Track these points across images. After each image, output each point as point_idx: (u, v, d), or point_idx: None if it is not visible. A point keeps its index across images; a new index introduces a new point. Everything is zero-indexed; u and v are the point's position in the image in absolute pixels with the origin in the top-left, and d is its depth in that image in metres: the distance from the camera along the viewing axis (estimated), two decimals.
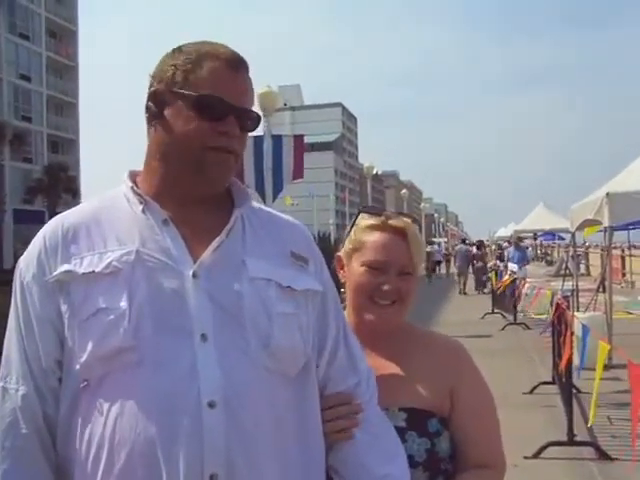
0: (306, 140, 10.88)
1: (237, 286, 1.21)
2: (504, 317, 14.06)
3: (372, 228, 1.56)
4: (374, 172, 27.52)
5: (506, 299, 14.46)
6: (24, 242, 1.93)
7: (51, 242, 1.24)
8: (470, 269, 23.33)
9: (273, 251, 1.29)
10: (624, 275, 22.42)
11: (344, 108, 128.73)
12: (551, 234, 28.50)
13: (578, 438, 5.41)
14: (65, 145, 52.45)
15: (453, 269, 27.92)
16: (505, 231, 32.26)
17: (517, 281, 14.26)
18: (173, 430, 1.12)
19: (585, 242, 22.14)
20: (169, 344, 1.16)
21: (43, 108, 49.22)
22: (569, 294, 9.54)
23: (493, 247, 35.62)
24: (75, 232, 1.24)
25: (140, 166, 1.34)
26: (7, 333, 1.25)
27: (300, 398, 1.26)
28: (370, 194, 26.13)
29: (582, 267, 24.41)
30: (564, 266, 16.86)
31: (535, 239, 35.00)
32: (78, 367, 1.17)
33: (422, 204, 54.66)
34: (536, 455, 5.21)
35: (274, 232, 1.33)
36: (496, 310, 14.99)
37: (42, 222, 1.46)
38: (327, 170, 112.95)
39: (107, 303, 1.16)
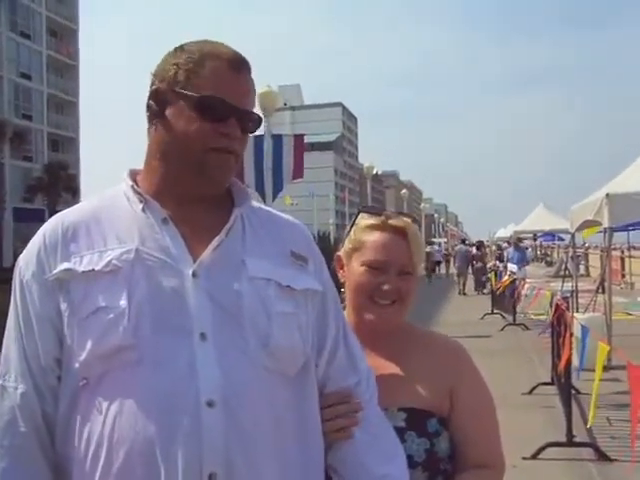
0: (306, 140, 10.88)
1: (236, 285, 1.21)
2: (503, 318, 14.06)
3: (372, 228, 1.56)
4: (374, 172, 27.52)
5: (505, 300, 14.46)
6: (24, 240, 1.93)
7: (51, 240, 1.24)
8: (470, 270, 23.34)
9: (273, 250, 1.29)
10: (624, 276, 22.42)
11: (344, 108, 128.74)
12: (551, 235, 28.51)
13: (577, 439, 5.41)
14: (65, 144, 52.47)
15: (453, 269, 27.91)
16: (505, 232, 32.26)
17: (517, 282, 14.26)
18: (172, 429, 1.12)
19: (585, 243, 22.15)
20: (168, 343, 1.16)
21: (43, 106, 49.24)
22: (568, 295, 9.55)
23: (493, 248, 35.64)
24: (75, 230, 1.24)
25: (140, 165, 1.34)
26: (6, 331, 1.25)
27: (299, 398, 1.26)
28: (370, 194, 26.13)
29: (582, 268, 24.42)
30: (564, 267, 16.87)
31: (535, 240, 35.01)
32: (77, 365, 1.17)
33: (422, 204, 54.72)
34: (535, 456, 5.22)
35: (274, 231, 1.33)
36: (495, 311, 15.00)
37: (42, 220, 1.46)
38: (327, 170, 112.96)
39: (107, 302, 1.16)
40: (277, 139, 9.67)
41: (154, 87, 1.27)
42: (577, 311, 9.98)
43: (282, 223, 1.37)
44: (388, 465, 1.32)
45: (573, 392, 6.15)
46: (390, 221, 1.55)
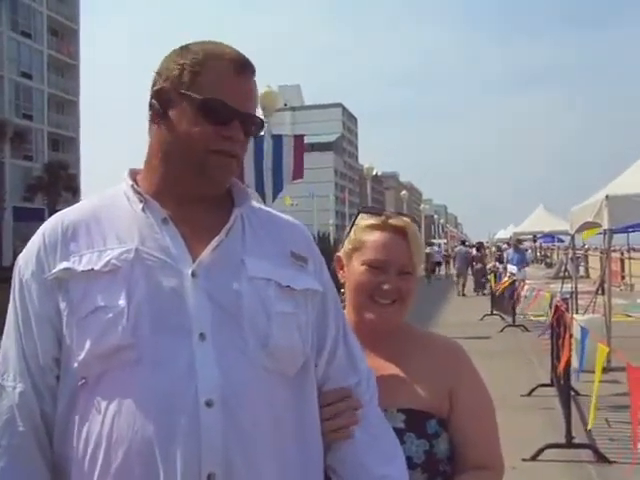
0: (306, 140, 10.89)
1: (236, 285, 1.21)
2: (503, 319, 14.07)
3: (372, 227, 1.56)
4: (374, 173, 27.53)
5: (505, 301, 14.47)
6: (24, 240, 1.93)
7: (50, 239, 1.24)
8: (469, 271, 23.36)
9: (273, 251, 1.29)
10: (623, 278, 22.43)
11: (344, 108, 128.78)
12: (550, 236, 28.52)
13: (576, 440, 5.40)
14: (65, 143, 52.50)
15: (453, 270, 27.92)
16: (505, 233, 32.28)
17: (516, 283, 14.27)
18: (171, 429, 1.12)
19: (584, 245, 22.16)
20: (167, 343, 1.15)
21: (44, 106, 49.28)
22: (568, 296, 9.54)
23: (493, 249, 35.65)
24: (75, 230, 1.24)
25: (140, 165, 1.33)
26: (5, 330, 1.24)
27: (299, 398, 1.25)
28: (370, 195, 26.16)
29: (581, 269, 24.43)
30: (563, 268, 16.89)
31: (534, 241, 35.01)
32: (76, 365, 1.17)
33: (422, 205, 54.76)
34: (534, 457, 5.21)
35: (274, 232, 1.33)
36: (495, 312, 15.00)
37: (42, 220, 1.46)
38: (327, 170, 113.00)
39: (106, 301, 1.16)
40: (277, 139, 9.68)
41: (157, 86, 1.27)
42: (577, 312, 9.98)
43: (282, 223, 1.37)
44: (388, 466, 1.31)
45: (572, 394, 6.15)
46: (390, 221, 1.56)
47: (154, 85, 1.28)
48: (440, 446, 1.48)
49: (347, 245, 1.59)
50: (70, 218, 1.27)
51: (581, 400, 6.58)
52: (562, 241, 26.63)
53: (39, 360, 1.20)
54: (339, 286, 1.55)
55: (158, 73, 1.28)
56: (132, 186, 1.28)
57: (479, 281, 22.37)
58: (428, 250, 30.66)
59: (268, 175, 9.42)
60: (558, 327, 6.81)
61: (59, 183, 42.86)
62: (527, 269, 20.07)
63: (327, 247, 23.73)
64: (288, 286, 1.26)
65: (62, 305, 1.19)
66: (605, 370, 5.58)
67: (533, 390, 7.39)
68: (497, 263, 21.35)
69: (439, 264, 35.44)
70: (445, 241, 63.38)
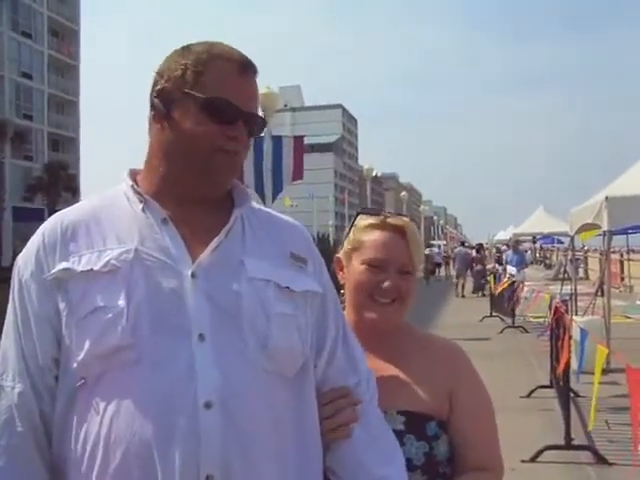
0: (306, 141, 10.89)
1: (236, 286, 1.21)
2: (502, 320, 14.06)
3: (371, 227, 1.56)
4: (374, 174, 27.55)
5: (504, 302, 14.47)
6: (23, 240, 1.93)
7: (50, 239, 1.24)
8: (469, 272, 23.37)
9: (272, 252, 1.29)
10: (623, 279, 22.42)
11: (344, 109, 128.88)
12: (550, 238, 28.53)
13: (575, 442, 5.40)
14: (66, 143, 52.52)
15: (453, 272, 27.93)
16: (504, 234, 32.30)
17: (516, 284, 14.27)
18: (169, 430, 1.11)
19: (584, 246, 22.15)
20: (167, 343, 1.15)
21: (44, 106, 49.31)
22: (567, 298, 9.57)
23: (493, 250, 35.65)
24: (74, 230, 1.24)
25: (140, 165, 1.33)
26: (4, 330, 1.24)
27: (298, 399, 1.25)
28: (370, 196, 26.17)
29: (581, 271, 24.41)
30: (563, 270, 16.90)
31: (534, 242, 35.02)
32: (75, 365, 1.17)
33: (421, 206, 54.79)
34: (533, 459, 5.21)
35: (273, 233, 1.33)
36: (494, 313, 15.00)
37: (41, 220, 1.46)
38: (327, 171, 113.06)
39: (105, 301, 1.16)
40: (277, 140, 9.68)
41: (159, 86, 1.26)
42: (576, 314, 9.98)
43: (282, 224, 1.37)
44: (387, 466, 1.31)
45: (572, 395, 6.15)
46: (389, 220, 1.56)
47: (155, 85, 1.28)
48: (440, 448, 1.48)
49: (346, 246, 1.60)
50: (70, 218, 1.27)
51: (580, 402, 6.58)
52: (561, 242, 26.64)
53: (38, 360, 1.20)
54: (339, 287, 1.55)
55: (159, 73, 1.28)
56: (132, 186, 1.28)
57: (479, 282, 22.37)
58: (428, 251, 30.68)
59: (268, 176, 9.42)
60: (557, 328, 6.81)
61: (59, 183, 42.87)
62: (526, 270, 20.08)
63: (327, 248, 23.72)
64: (287, 287, 1.25)
65: (61, 305, 1.19)
66: (604, 372, 5.58)
67: (532, 391, 7.39)
68: (497, 264, 21.36)
69: (439, 265, 35.48)
70: (445, 242, 63.41)
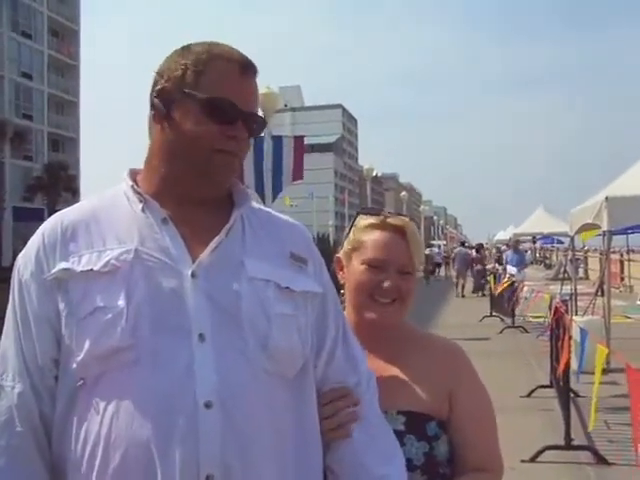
0: (306, 141, 10.89)
1: (236, 286, 1.21)
2: (502, 320, 14.06)
3: (371, 227, 1.56)
4: (374, 174, 27.53)
5: (504, 302, 14.47)
6: (23, 240, 1.93)
7: (50, 239, 1.24)
8: (469, 272, 23.37)
9: (272, 251, 1.29)
10: (622, 279, 22.43)
11: (344, 109, 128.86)
12: (550, 238, 28.53)
13: (575, 442, 5.40)
14: (65, 144, 52.50)
15: (453, 272, 27.93)
16: (504, 234, 32.28)
17: (515, 284, 14.27)
18: (169, 430, 1.11)
19: (584, 246, 22.15)
20: (167, 344, 1.15)
21: (44, 106, 49.29)
22: (567, 298, 9.57)
23: (493, 250, 35.66)
24: (74, 230, 1.24)
25: (140, 165, 1.33)
26: (4, 331, 1.24)
27: (298, 399, 1.25)
28: (370, 196, 26.16)
29: (581, 271, 24.42)
30: (563, 270, 16.90)
31: (534, 242, 35.01)
32: (75, 365, 1.17)
33: (421, 207, 54.80)
34: (533, 459, 5.21)
35: (273, 232, 1.33)
36: (494, 313, 15.00)
37: (41, 220, 1.46)
38: (327, 171, 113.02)
39: (105, 302, 1.16)
40: (277, 140, 9.68)
41: (159, 86, 1.26)
42: (576, 314, 9.99)
43: (282, 224, 1.37)
44: (387, 466, 1.31)
45: (572, 395, 6.14)
46: (389, 220, 1.56)
47: (155, 85, 1.28)
48: (440, 448, 1.48)
49: (346, 246, 1.60)
50: (69, 218, 1.27)
51: (580, 402, 6.58)
52: (561, 242, 26.65)
53: (38, 360, 1.20)
54: (339, 287, 1.55)
55: (159, 73, 1.28)
56: (132, 186, 1.28)
57: (479, 282, 22.37)
58: (428, 251, 30.69)
59: (268, 176, 9.42)
60: (557, 328, 6.81)
61: (59, 183, 42.87)
62: (526, 270, 20.06)
63: (326, 248, 23.73)
64: (287, 287, 1.25)
65: (61, 305, 1.19)
66: (604, 371, 5.57)
67: (532, 391, 7.39)
68: (496, 264, 21.35)
69: (439, 265, 35.49)
70: (445, 242, 63.41)
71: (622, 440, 5.32)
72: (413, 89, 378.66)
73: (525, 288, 14.22)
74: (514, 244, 20.26)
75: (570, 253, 13.69)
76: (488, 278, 18.59)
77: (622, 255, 22.75)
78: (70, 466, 1.17)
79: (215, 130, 1.22)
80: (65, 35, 52.79)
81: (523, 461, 5.12)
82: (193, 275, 1.19)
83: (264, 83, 9.74)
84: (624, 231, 11.42)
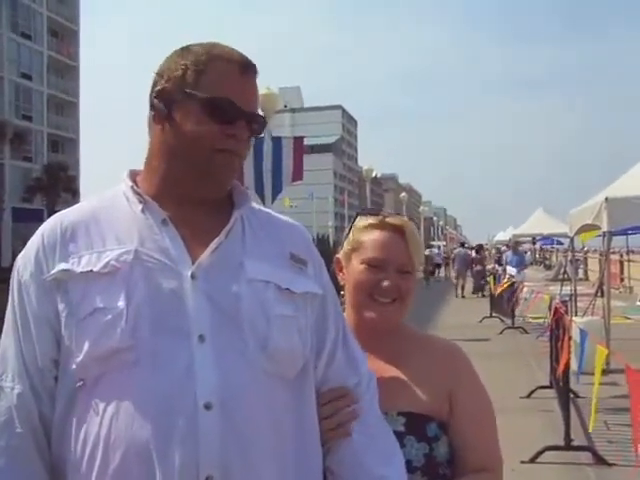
0: (306, 142, 10.89)
1: (235, 287, 1.21)
2: (502, 321, 14.06)
3: (370, 227, 1.56)
4: (373, 175, 27.53)
5: (504, 303, 14.47)
6: (23, 240, 1.93)
7: (49, 240, 1.24)
8: (469, 273, 23.37)
9: (272, 252, 1.29)
10: (622, 280, 22.44)
11: (344, 110, 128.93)
12: (549, 239, 28.52)
13: (575, 443, 5.40)
14: (65, 144, 52.50)
15: (452, 273, 27.93)
16: (504, 235, 32.30)
17: (515, 285, 14.27)
18: (168, 431, 1.11)
19: (584, 247, 22.15)
20: (166, 345, 1.15)
21: (44, 107, 49.30)
22: (567, 298, 9.57)
23: (493, 251, 35.67)
24: (74, 230, 1.24)
25: (140, 166, 1.33)
26: (4, 331, 1.24)
27: (298, 401, 1.25)
28: (369, 197, 26.13)
29: (580, 272, 24.43)
30: (562, 270, 16.89)
31: (534, 243, 35.02)
32: (74, 366, 1.17)
33: (421, 207, 54.77)
34: (533, 460, 5.21)
35: (273, 233, 1.33)
36: (494, 314, 15.00)
37: (41, 221, 1.46)
38: (326, 172, 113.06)
39: (105, 303, 1.16)
40: (277, 141, 9.67)
41: (159, 87, 1.26)
42: (576, 315, 9.98)
43: (281, 225, 1.37)
44: (386, 467, 1.31)
45: (571, 396, 6.14)
46: (388, 219, 1.56)
47: (155, 86, 1.27)
48: (440, 449, 1.48)
49: (346, 246, 1.60)
50: (69, 219, 1.26)
51: (580, 402, 6.58)
52: (561, 243, 26.65)
53: (37, 361, 1.20)
54: (339, 288, 1.55)
55: (159, 74, 1.28)
56: (132, 187, 1.28)
57: (478, 283, 22.37)
58: (428, 252, 30.70)
59: (267, 177, 9.41)
60: (557, 329, 6.81)
61: (58, 184, 42.87)
62: (526, 271, 20.06)
63: (326, 249, 23.74)
64: (287, 289, 1.25)
65: (61, 306, 1.19)
66: (604, 372, 5.57)
67: (532, 392, 7.39)
68: (496, 265, 21.36)
69: (439, 266, 35.50)
70: (444, 243, 63.39)
71: (622, 441, 5.32)
72: (413, 89, 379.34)
73: (525, 289, 14.22)
74: (514, 245, 20.27)
75: (570, 254, 13.69)
76: (488, 279, 18.59)
77: (622, 256, 22.75)
78: (70, 467, 1.17)
79: (216, 130, 1.22)
80: (65, 36, 52.80)
81: (523, 462, 5.12)
82: (193, 276, 1.19)
83: (264, 84, 9.74)
84: (624, 232, 11.43)
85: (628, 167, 9.24)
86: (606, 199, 7.97)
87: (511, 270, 17.32)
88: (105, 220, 1.25)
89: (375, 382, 1.39)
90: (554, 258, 37.22)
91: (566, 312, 6.97)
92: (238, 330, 1.19)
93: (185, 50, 1.28)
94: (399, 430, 1.43)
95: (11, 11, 45.53)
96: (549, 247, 37.36)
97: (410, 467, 1.39)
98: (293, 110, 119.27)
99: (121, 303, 1.16)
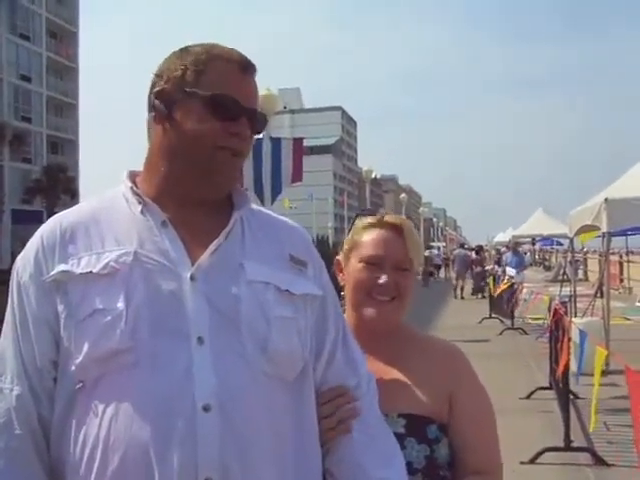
0: (305, 143, 10.89)
1: (235, 289, 1.21)
2: (502, 322, 14.06)
3: (369, 226, 1.57)
4: (373, 176, 27.58)
5: (504, 304, 14.47)
6: (22, 242, 1.93)
7: (49, 241, 1.24)
8: (468, 274, 23.37)
9: (272, 254, 1.29)
10: (622, 281, 22.45)
11: (344, 112, 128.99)
12: (549, 239, 28.53)
13: (575, 444, 5.40)
14: (64, 146, 52.46)
15: (452, 274, 27.94)
16: (504, 236, 32.30)
17: (515, 286, 14.27)
18: (167, 433, 1.11)
19: (583, 248, 22.16)
20: (165, 346, 1.15)
21: (43, 109, 49.26)
22: (567, 299, 9.55)
23: (492, 252, 35.69)
24: (73, 232, 1.24)
25: (140, 167, 1.33)
26: (3, 332, 1.24)
27: (297, 402, 1.25)
28: (369, 198, 26.16)
29: (580, 272, 24.43)
30: (562, 271, 16.88)
31: (533, 244, 35.02)
32: (74, 368, 1.17)
33: (421, 208, 54.82)
34: (532, 460, 5.21)
35: (273, 235, 1.33)
36: (494, 315, 15.00)
37: (40, 222, 1.46)
38: (326, 173, 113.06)
39: (104, 304, 1.16)
40: (276, 142, 9.66)
41: (159, 88, 1.26)
42: (575, 316, 9.98)
43: (281, 226, 1.37)
44: (386, 469, 1.30)
45: (571, 397, 6.14)
46: (386, 218, 1.57)
47: (153, 87, 1.28)
48: (441, 451, 1.48)
49: (345, 246, 1.60)
50: (68, 220, 1.26)
51: (580, 403, 6.58)
52: (561, 244, 26.65)
53: (36, 363, 1.20)
54: (339, 289, 1.55)
55: (158, 75, 1.28)
56: (131, 188, 1.27)
57: (478, 284, 22.37)
58: (427, 253, 30.70)
59: (267, 178, 9.40)
60: (557, 330, 6.82)
61: (58, 186, 42.85)
62: (526, 272, 20.07)
63: (326, 250, 23.75)
64: (287, 290, 1.25)
65: (60, 308, 1.19)
66: (604, 373, 5.57)
67: (532, 393, 7.39)
68: (496, 266, 21.36)
69: (438, 267, 35.52)
70: (444, 244, 63.40)
71: (622, 441, 5.32)
72: (414, 89, 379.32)
73: (524, 290, 14.24)
74: (513, 246, 20.26)
75: (569, 255, 13.69)
76: (487, 280, 18.58)
77: (621, 257, 22.77)
78: (69, 468, 1.17)
79: (218, 127, 1.22)
80: (64, 37, 52.76)
81: (523, 463, 5.12)
82: (192, 278, 1.19)
83: (264, 84, 9.74)
84: (623, 233, 11.43)
85: (628, 167, 9.24)
86: (606, 200, 7.97)
87: (510, 271, 17.31)
88: (104, 221, 1.25)
89: (374, 383, 1.38)
90: (554, 259, 37.23)
91: (565, 313, 6.97)
92: (237, 332, 1.18)
93: (184, 51, 1.28)
94: (399, 432, 1.43)
95: (10, 12, 45.48)
96: (549, 248, 37.37)
97: (411, 469, 1.39)
98: (293, 111, 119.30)
99: (120, 304, 1.15)
